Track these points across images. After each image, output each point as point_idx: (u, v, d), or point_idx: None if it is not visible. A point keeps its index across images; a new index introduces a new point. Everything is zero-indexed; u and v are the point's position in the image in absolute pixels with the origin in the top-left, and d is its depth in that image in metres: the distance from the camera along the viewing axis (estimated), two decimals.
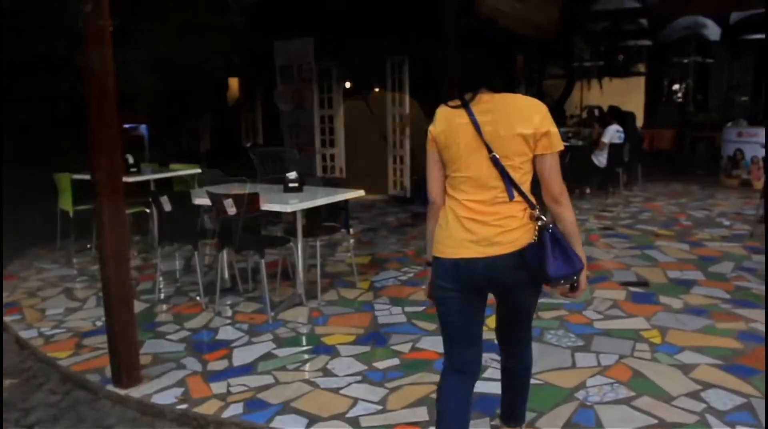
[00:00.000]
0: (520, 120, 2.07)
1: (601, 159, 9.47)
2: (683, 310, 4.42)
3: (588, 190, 10.01)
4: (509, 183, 2.08)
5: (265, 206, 4.12)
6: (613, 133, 9.40)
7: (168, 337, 4.18)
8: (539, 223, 2.07)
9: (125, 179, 6.06)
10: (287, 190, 4.63)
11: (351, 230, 6.16)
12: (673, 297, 4.67)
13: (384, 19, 8.85)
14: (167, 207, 4.55)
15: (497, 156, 2.06)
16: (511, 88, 2.18)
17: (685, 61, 17.13)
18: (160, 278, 5.32)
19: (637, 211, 8.45)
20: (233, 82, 11.80)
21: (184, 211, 4.53)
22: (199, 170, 6.82)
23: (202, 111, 11.56)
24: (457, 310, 2.21)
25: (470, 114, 2.11)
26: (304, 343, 4.05)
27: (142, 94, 10.38)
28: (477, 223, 2.11)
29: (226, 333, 4.21)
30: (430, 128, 2.23)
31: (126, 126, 10.47)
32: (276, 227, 5.90)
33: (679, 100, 19.29)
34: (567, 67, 16.83)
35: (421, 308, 4.53)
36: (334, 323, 4.34)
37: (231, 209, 4.16)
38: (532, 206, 2.11)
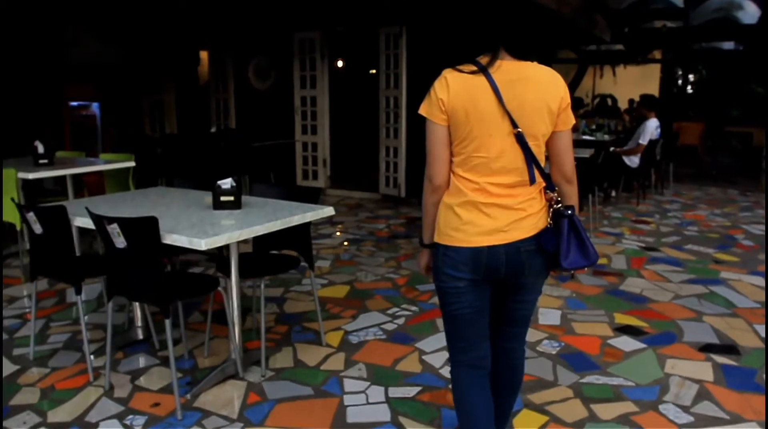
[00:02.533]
0: (548, 92, 1.86)
1: (633, 158, 7.90)
2: None
3: (613, 193, 8.48)
4: (533, 164, 1.88)
5: (169, 239, 2.56)
6: (652, 130, 7.80)
7: None
8: (558, 207, 1.91)
9: (25, 176, 4.54)
10: (218, 205, 3.07)
11: (315, 266, 4.66)
12: None
13: None
14: (37, 228, 2.99)
15: (522, 133, 1.83)
16: (533, 56, 1.90)
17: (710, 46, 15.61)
18: (45, 321, 3.78)
19: (679, 223, 6.93)
20: (204, 56, 10.18)
21: (61, 234, 2.97)
22: (133, 163, 5.23)
23: (167, 87, 9.93)
24: (471, 302, 2.00)
25: (491, 81, 1.82)
26: None
27: (95, 64, 8.77)
28: (499, 209, 1.89)
29: None
30: (439, 95, 1.86)
31: (73, 104, 8.88)
32: (201, 256, 4.37)
33: (691, 91, 17.82)
34: (579, 50, 15.30)
35: (415, 390, 3.01)
36: (281, 418, 2.80)
37: (118, 240, 2.62)
38: (551, 188, 1.94)
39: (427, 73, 2.11)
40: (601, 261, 5.32)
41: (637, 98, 15.23)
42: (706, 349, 3.53)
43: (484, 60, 1.85)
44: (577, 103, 11.67)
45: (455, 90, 1.84)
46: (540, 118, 1.85)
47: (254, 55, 9.21)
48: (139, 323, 3.53)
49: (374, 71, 8.91)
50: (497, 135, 1.84)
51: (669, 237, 6.26)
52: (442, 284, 2.00)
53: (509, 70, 1.84)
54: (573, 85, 15.64)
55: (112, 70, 9.10)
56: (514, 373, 2.23)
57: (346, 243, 5.95)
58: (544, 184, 1.93)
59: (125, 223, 2.58)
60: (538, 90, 1.84)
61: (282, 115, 9.03)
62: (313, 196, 3.38)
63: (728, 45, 15.48)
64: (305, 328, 3.81)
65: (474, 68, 1.85)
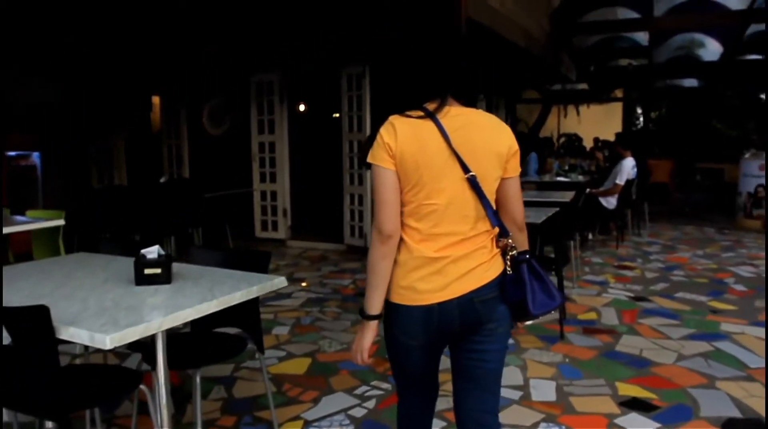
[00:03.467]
0: (496, 137, 1.84)
1: (611, 199, 7.52)
2: None
3: (590, 236, 8.07)
4: (489, 208, 1.83)
5: (66, 333, 1.96)
6: (629, 170, 7.46)
7: None
8: (514, 254, 1.85)
9: None
10: (141, 279, 2.47)
11: (272, 333, 4.10)
12: None
13: (337, 16, 6.87)
14: None
15: (475, 176, 1.78)
16: (474, 102, 1.93)
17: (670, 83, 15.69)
18: None
19: (664, 268, 6.53)
20: (156, 102, 9.63)
21: None
22: (62, 221, 4.59)
23: (116, 134, 9.31)
24: (421, 360, 1.91)
25: (440, 126, 1.79)
26: None
27: (35, 110, 8.14)
28: (450, 262, 1.80)
29: None
30: (387, 142, 1.78)
31: (10, 154, 8.18)
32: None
33: (652, 128, 17.86)
34: (543, 90, 15.21)
35: None
36: None
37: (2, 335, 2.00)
38: (505, 234, 1.87)
39: (393, 115, 1.86)
40: (590, 316, 4.83)
41: (601, 136, 15.17)
42: (729, 425, 3.02)
43: (431, 106, 1.82)
44: (546, 144, 11.37)
45: (403, 135, 1.78)
46: (490, 162, 1.82)
47: (208, 99, 8.68)
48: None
49: (337, 115, 8.46)
50: (448, 180, 1.79)
51: (657, 284, 5.82)
52: (392, 340, 1.90)
53: (457, 114, 1.82)
54: (538, 125, 15.50)
55: (54, 116, 8.47)
56: None
57: (307, 304, 5.35)
58: (495, 232, 1.87)
59: (8, 315, 1.97)
60: (486, 135, 1.83)
61: (239, 162, 8.50)
62: (262, 262, 2.80)
63: (689, 82, 15.58)
64: (257, 419, 3.18)
65: (421, 113, 1.81)
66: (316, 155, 9.09)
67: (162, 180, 7.86)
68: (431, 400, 2.07)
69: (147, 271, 2.47)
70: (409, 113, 1.82)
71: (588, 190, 7.41)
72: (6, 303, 2.07)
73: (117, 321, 2.01)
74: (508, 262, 1.85)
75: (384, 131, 1.81)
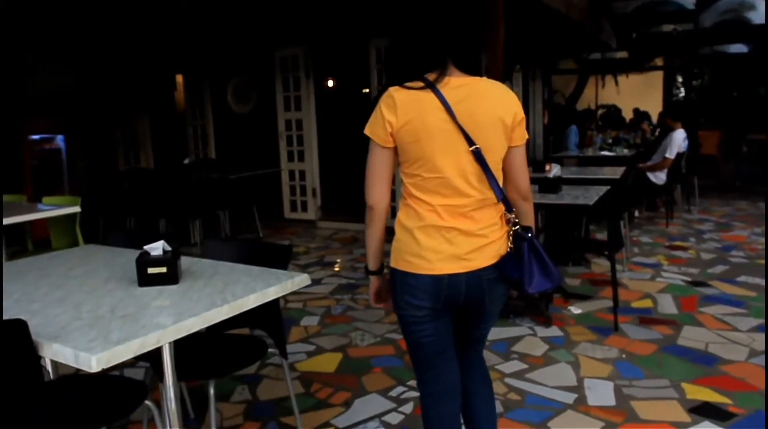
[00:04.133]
0: (500, 106, 1.79)
1: (660, 174, 7.02)
2: None
3: (637, 214, 7.59)
4: (495, 182, 1.79)
5: (49, 351, 1.66)
6: (680, 143, 6.92)
7: None
8: (516, 229, 1.83)
9: None
10: (145, 280, 2.16)
11: (287, 355, 3.81)
12: None
13: None
14: None
15: (480, 149, 1.74)
16: (479, 70, 1.84)
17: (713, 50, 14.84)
18: None
19: (721, 248, 6.04)
20: (180, 81, 9.35)
21: None
22: (77, 208, 4.33)
23: (141, 115, 9.08)
24: (434, 329, 1.90)
25: (441, 98, 1.73)
26: None
27: (59, 92, 7.94)
28: (460, 234, 1.79)
29: None
30: (386, 116, 1.74)
31: (34, 137, 8.01)
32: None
33: (695, 97, 17.02)
34: (580, 59, 14.55)
35: None
36: None
37: None
38: (509, 209, 1.85)
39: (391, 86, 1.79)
40: (645, 303, 4.42)
41: (641, 107, 14.48)
42: None
43: (431, 76, 1.76)
44: (586, 116, 10.82)
45: (403, 109, 1.74)
46: (495, 133, 1.78)
47: (232, 77, 8.37)
48: None
49: (367, 90, 8.07)
50: (452, 153, 1.76)
51: (715, 266, 5.36)
52: (402, 312, 1.90)
53: (459, 85, 1.77)
54: (574, 96, 14.91)
55: (78, 98, 8.26)
56: (485, 381, 2.12)
57: (337, 291, 5.04)
58: (502, 209, 1.85)
59: None
60: (490, 104, 1.78)
61: (265, 141, 8.20)
62: (282, 256, 2.48)
63: (736, 48, 14.73)
64: (284, 425, 2.88)
65: (422, 84, 1.75)
66: (346, 132, 8.72)
67: (186, 161, 7.60)
68: (454, 389, 2.00)
69: (150, 270, 2.16)
70: (409, 84, 1.76)
71: (639, 164, 6.91)
72: None
73: (109, 334, 1.70)
74: (510, 239, 1.83)
75: (384, 105, 1.76)
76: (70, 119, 8.27)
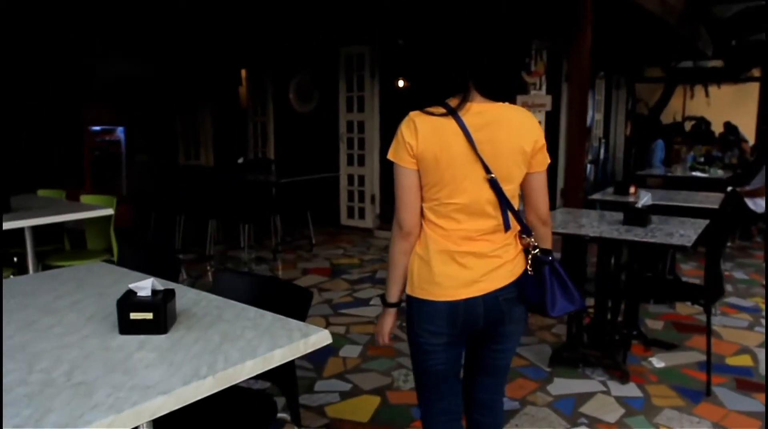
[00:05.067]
0: (521, 134, 1.80)
1: (759, 201, 6.22)
2: None
3: (729, 244, 6.78)
4: (507, 211, 1.82)
5: None
6: None
7: None
8: (535, 253, 1.85)
9: None
10: (126, 327, 1.74)
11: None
12: None
13: None
14: None
15: (496, 178, 1.77)
16: (506, 94, 1.85)
17: None
18: None
19: None
20: (245, 75, 9.12)
21: None
22: (111, 211, 4.03)
23: (203, 110, 8.92)
24: (446, 358, 1.92)
25: (461, 124, 1.76)
26: None
27: (120, 83, 7.85)
28: (474, 258, 1.82)
29: None
30: (407, 139, 1.79)
31: (94, 128, 7.94)
32: None
33: None
34: (668, 66, 13.58)
35: None
36: None
37: None
38: (527, 232, 1.87)
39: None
40: (743, 360, 3.75)
41: (732, 121, 13.34)
42: None
43: (453, 102, 1.79)
44: (674, 130, 9.98)
45: (424, 134, 1.77)
46: (514, 161, 1.79)
47: (296, 74, 8.06)
48: None
49: None
50: (470, 181, 1.78)
51: None
52: (417, 339, 1.91)
53: (480, 112, 1.78)
54: (659, 106, 14.02)
55: (140, 89, 8.14)
56: None
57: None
58: (519, 229, 1.87)
59: None
60: (510, 132, 1.79)
61: (325, 142, 7.85)
62: (300, 303, 2.03)
63: None
64: None
65: (443, 110, 1.77)
66: None
67: (240, 161, 7.32)
68: (456, 407, 2.01)
69: (134, 315, 1.76)
70: (430, 110, 1.78)
71: (731, 188, 6.14)
72: None
73: (45, 416, 1.29)
74: (529, 263, 1.85)
75: (405, 128, 1.79)
76: (131, 110, 8.17)
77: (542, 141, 1.82)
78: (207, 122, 8.96)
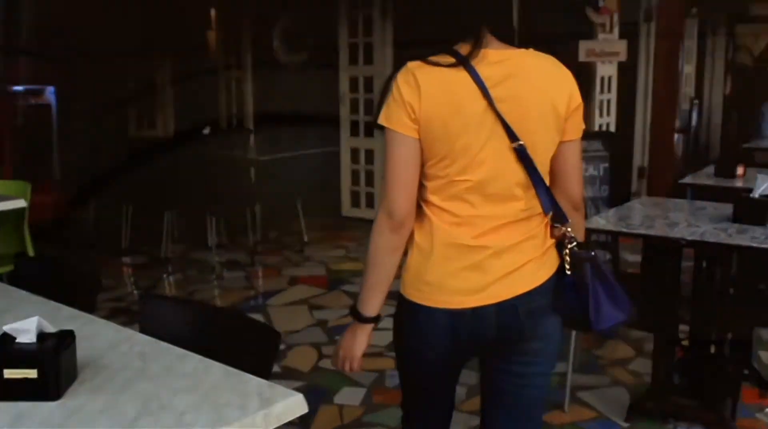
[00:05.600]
0: (552, 88, 1.83)
1: None
2: None
3: None
4: (541, 187, 1.84)
5: None
6: None
7: None
8: (574, 248, 1.86)
9: None
10: (3, 392, 1.55)
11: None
12: None
13: None
14: None
15: (525, 146, 1.79)
16: (527, 41, 1.90)
17: None
18: None
19: None
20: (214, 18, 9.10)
21: None
22: (24, 204, 3.89)
23: (161, 63, 8.82)
24: (441, 377, 2.02)
25: (476, 77, 1.76)
26: None
27: (50, 32, 7.74)
28: (492, 256, 1.83)
29: None
30: (406, 98, 1.78)
31: (16, 88, 7.85)
32: None
33: None
34: None
35: None
36: None
37: None
38: (563, 220, 1.88)
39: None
40: None
41: None
42: None
43: (464, 49, 1.79)
44: None
45: (428, 91, 1.77)
46: (544, 124, 1.81)
47: (282, 14, 8.07)
48: None
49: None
50: (489, 151, 1.79)
51: None
52: (404, 349, 1.99)
53: (499, 61, 1.80)
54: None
55: (77, 36, 8.00)
56: None
57: None
58: (548, 217, 1.89)
59: None
60: (539, 86, 1.81)
61: (322, 105, 7.94)
62: (264, 350, 1.87)
63: None
64: None
65: (451, 60, 1.78)
66: None
67: (206, 131, 7.25)
68: (445, 421, 2.09)
69: (9, 373, 1.58)
70: (434, 59, 1.79)
71: None
72: None
73: None
74: (567, 259, 1.85)
75: (403, 83, 1.79)
76: (64, 64, 8.04)
77: (578, 98, 1.83)
78: (165, 80, 8.87)
